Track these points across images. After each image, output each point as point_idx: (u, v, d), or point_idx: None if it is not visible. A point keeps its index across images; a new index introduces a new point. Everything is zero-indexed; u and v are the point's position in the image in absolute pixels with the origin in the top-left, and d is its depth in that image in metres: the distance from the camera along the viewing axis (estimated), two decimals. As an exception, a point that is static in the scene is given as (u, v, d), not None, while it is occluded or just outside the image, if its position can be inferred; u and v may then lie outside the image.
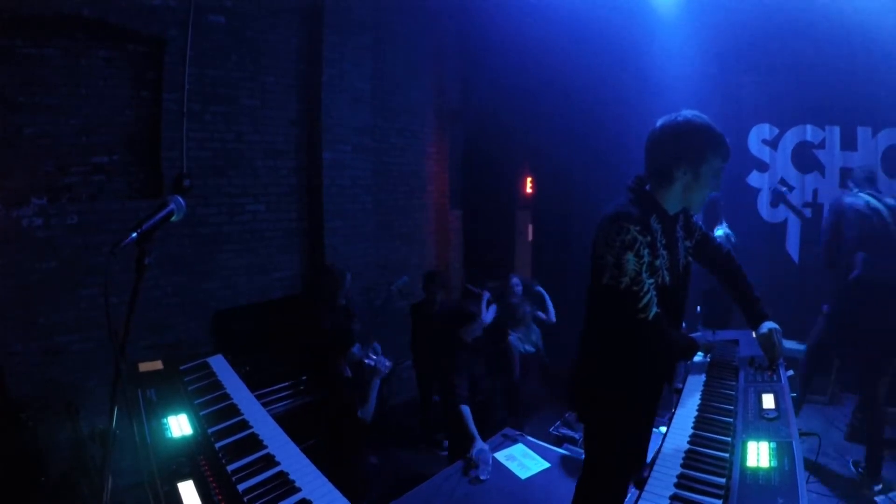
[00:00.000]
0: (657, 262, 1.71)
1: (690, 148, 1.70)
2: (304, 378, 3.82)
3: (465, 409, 3.12)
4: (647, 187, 1.81)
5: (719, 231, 4.17)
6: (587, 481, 2.00)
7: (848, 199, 3.49)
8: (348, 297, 4.39)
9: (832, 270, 3.60)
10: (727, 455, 1.55)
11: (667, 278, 1.75)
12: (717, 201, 4.16)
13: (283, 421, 2.05)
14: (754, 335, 2.03)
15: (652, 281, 1.68)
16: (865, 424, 3.49)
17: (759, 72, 4.77)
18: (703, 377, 2.07)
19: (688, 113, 1.73)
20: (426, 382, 4.52)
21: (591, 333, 1.93)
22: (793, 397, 1.83)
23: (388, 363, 2.99)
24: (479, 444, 2.92)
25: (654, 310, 1.67)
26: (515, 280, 4.65)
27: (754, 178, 5.03)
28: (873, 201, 3.40)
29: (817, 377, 4.31)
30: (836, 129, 4.64)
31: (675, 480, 1.49)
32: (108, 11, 3.44)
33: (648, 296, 1.66)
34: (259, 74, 4.31)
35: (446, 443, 3.97)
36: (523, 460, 2.93)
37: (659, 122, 1.76)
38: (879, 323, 3.24)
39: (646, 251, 1.66)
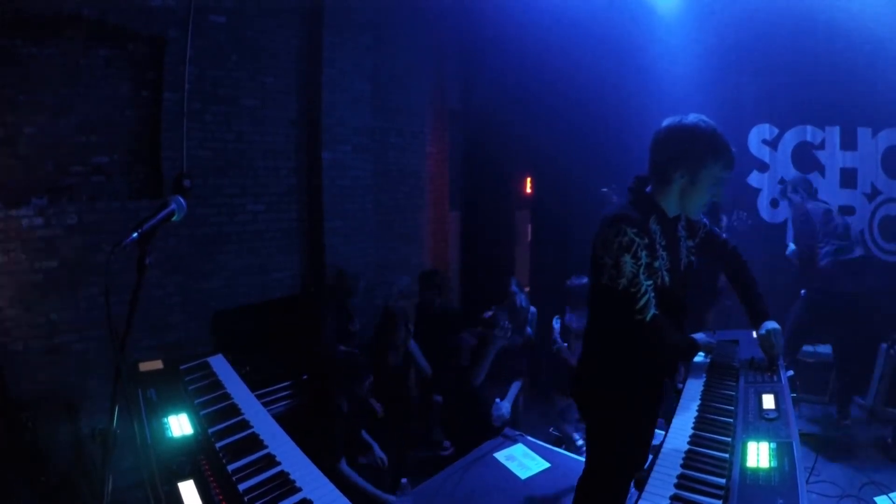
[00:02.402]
0: (656, 264, 1.72)
1: (690, 152, 1.70)
2: (304, 377, 3.81)
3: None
4: (648, 188, 1.81)
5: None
6: (588, 481, 2.01)
7: (810, 205, 4.20)
8: (356, 301, 4.41)
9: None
10: (727, 455, 1.55)
11: (666, 279, 1.75)
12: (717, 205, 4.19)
13: (284, 421, 2.05)
14: (754, 334, 2.03)
15: (650, 283, 1.68)
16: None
17: (759, 72, 4.77)
18: (703, 377, 2.06)
19: (694, 117, 1.72)
20: (426, 382, 4.51)
21: (592, 333, 1.93)
22: (792, 397, 1.83)
23: (383, 456, 3.03)
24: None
25: (652, 311, 1.67)
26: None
27: (754, 179, 5.03)
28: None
29: (817, 377, 4.33)
30: (836, 130, 4.64)
31: (675, 481, 1.49)
32: (108, 11, 3.44)
33: (646, 297, 1.66)
34: (259, 74, 4.31)
35: (447, 443, 3.97)
36: (523, 460, 2.93)
37: (664, 123, 1.75)
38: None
39: (643, 253, 1.66)
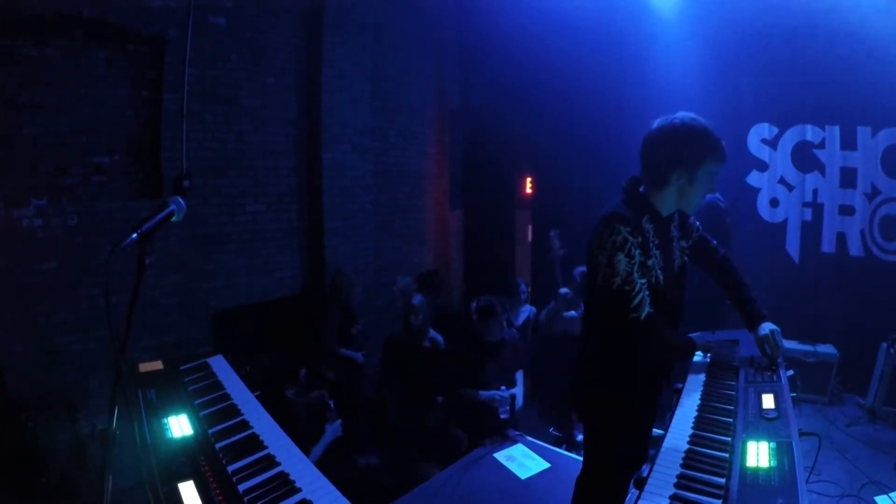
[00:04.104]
0: (649, 263, 1.72)
1: (687, 153, 1.69)
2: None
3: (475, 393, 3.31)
4: (642, 188, 1.80)
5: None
6: (587, 481, 2.01)
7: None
8: (356, 300, 4.43)
9: None
10: (727, 455, 1.55)
11: (660, 278, 1.75)
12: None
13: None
14: (753, 336, 2.02)
15: (644, 281, 1.68)
16: None
17: (759, 71, 4.76)
18: (702, 377, 2.06)
19: (685, 115, 1.71)
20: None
21: (589, 334, 1.93)
22: (792, 397, 1.83)
23: (339, 430, 2.94)
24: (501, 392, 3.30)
25: (647, 309, 1.68)
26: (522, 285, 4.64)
27: (754, 178, 5.03)
28: None
29: (818, 377, 4.33)
30: (836, 129, 4.63)
31: (675, 480, 1.49)
32: (108, 11, 3.45)
33: (640, 296, 1.66)
34: (259, 74, 4.31)
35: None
36: (523, 460, 2.93)
37: (655, 124, 1.74)
38: None
39: (637, 251, 1.66)
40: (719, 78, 4.73)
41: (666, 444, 1.68)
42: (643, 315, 1.67)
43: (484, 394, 3.32)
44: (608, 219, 1.69)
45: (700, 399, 1.91)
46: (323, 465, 1.78)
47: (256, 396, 2.19)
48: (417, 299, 3.69)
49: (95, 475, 3.02)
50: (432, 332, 3.86)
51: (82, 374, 3.44)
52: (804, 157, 4.81)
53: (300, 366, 3.43)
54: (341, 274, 4.43)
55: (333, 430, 2.89)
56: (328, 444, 2.84)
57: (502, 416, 3.24)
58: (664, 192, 1.76)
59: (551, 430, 3.82)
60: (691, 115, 1.72)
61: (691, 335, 2.09)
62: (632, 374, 1.81)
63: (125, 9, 3.52)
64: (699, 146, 1.69)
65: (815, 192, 4.80)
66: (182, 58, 3.83)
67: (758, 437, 1.55)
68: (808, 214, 4.84)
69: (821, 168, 4.75)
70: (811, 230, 4.82)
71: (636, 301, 1.66)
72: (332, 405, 2.99)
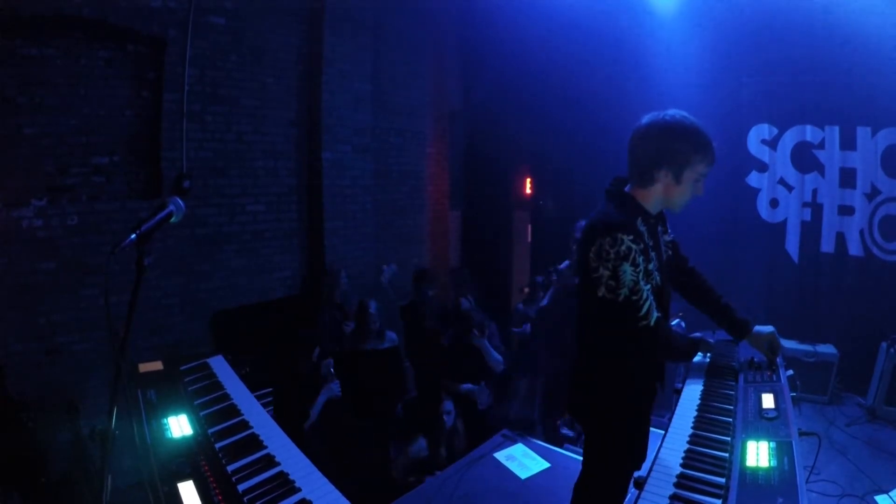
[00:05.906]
0: (650, 266, 1.68)
1: (674, 150, 1.65)
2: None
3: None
4: (627, 188, 1.77)
5: None
6: (586, 482, 2.00)
7: None
8: (345, 296, 4.41)
9: None
10: (727, 455, 1.55)
11: (658, 279, 1.72)
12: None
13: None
14: (748, 338, 2.01)
15: (649, 287, 1.65)
16: None
17: (759, 72, 4.76)
18: (702, 377, 2.07)
19: (675, 113, 1.67)
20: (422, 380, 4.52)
21: (586, 339, 1.90)
22: (792, 397, 1.83)
23: (336, 389, 3.20)
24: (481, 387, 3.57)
25: (655, 315, 1.64)
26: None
27: (754, 179, 5.02)
28: None
29: (818, 377, 4.33)
30: (836, 129, 4.63)
31: (675, 480, 1.49)
32: (108, 12, 3.45)
33: (648, 303, 1.62)
34: (259, 74, 4.31)
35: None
36: (523, 460, 2.93)
37: (644, 120, 1.70)
38: None
39: (640, 258, 1.61)
40: (719, 78, 4.74)
41: (666, 444, 1.69)
42: (653, 321, 1.63)
43: (464, 387, 3.54)
44: (607, 228, 1.61)
45: (700, 399, 1.91)
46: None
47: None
48: (373, 306, 3.80)
49: (95, 475, 3.02)
50: (389, 333, 4.01)
51: (82, 374, 3.44)
52: (804, 158, 4.80)
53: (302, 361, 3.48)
54: (328, 273, 4.45)
55: (328, 389, 3.17)
56: (323, 403, 3.15)
57: (481, 408, 3.51)
58: (650, 191, 1.72)
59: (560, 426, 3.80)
60: (683, 112, 1.68)
61: (693, 335, 2.08)
62: (630, 377, 1.80)
63: (125, 9, 3.52)
64: (688, 145, 1.65)
65: (814, 192, 4.80)
66: (182, 58, 3.83)
67: (758, 437, 1.55)
68: (807, 214, 4.84)
69: (820, 168, 4.75)
70: (811, 230, 4.82)
71: (645, 309, 1.61)
72: (332, 370, 3.27)
